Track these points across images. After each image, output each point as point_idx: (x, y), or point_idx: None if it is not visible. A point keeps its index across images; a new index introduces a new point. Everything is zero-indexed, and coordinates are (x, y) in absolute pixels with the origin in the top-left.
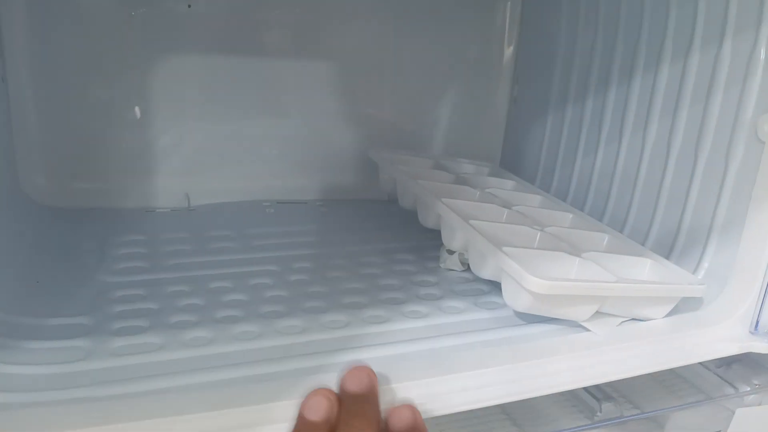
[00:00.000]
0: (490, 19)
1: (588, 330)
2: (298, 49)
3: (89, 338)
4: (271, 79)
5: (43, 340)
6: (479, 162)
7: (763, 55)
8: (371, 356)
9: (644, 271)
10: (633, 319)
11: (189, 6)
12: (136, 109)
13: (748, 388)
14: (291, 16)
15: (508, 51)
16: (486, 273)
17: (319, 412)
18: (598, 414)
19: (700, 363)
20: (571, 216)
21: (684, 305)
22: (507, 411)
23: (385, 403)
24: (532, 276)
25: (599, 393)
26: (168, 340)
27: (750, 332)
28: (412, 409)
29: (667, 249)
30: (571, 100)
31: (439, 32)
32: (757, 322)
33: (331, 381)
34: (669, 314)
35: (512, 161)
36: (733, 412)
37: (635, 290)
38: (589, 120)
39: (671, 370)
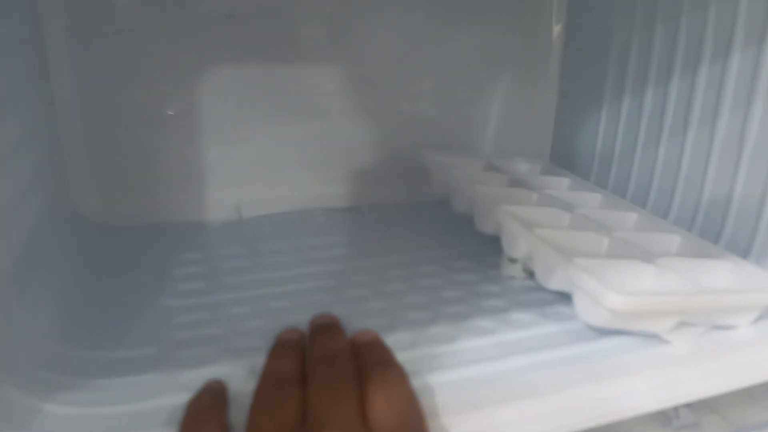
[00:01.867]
0: (535, 10)
1: (668, 342)
2: (338, 52)
3: (157, 371)
4: (312, 83)
5: (107, 377)
6: (531, 159)
7: None
8: (439, 380)
9: (723, 275)
10: (715, 327)
11: (229, 16)
12: (184, 122)
13: None
14: (326, 18)
15: (556, 43)
16: (554, 285)
17: (293, 334)
18: (675, 420)
19: None
20: (636, 216)
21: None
22: None
23: None
24: (610, 292)
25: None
26: (235, 369)
27: None
28: (373, 332)
29: (742, 249)
30: (628, 92)
31: (481, 26)
32: None
33: None
34: (755, 321)
35: (563, 157)
36: None
37: (722, 301)
38: (648, 113)
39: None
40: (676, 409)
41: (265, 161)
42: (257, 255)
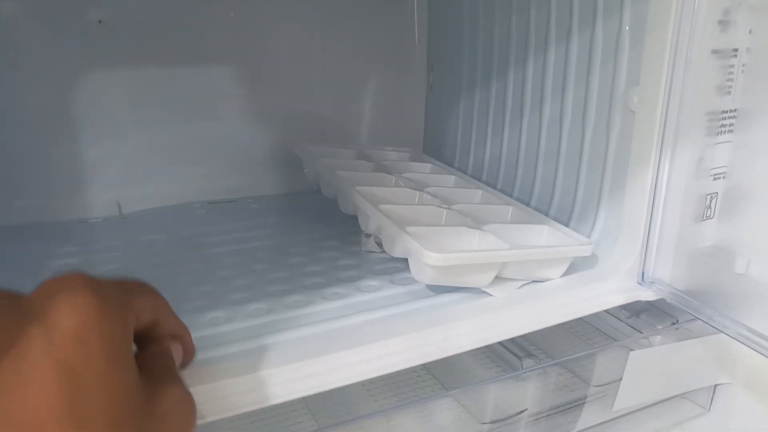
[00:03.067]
0: (401, 10)
1: (490, 295)
2: (220, 52)
3: None
4: (195, 82)
5: None
6: (402, 149)
7: (627, 36)
8: (288, 338)
9: (542, 237)
10: (533, 281)
11: (100, 21)
12: (63, 123)
13: (654, 333)
14: (210, 19)
15: (421, 40)
16: (396, 252)
17: None
18: (521, 369)
19: (613, 316)
20: (480, 193)
21: (584, 265)
22: (434, 374)
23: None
24: (428, 251)
25: (520, 351)
26: None
27: (638, 283)
28: None
29: (567, 215)
30: (479, 84)
31: (356, 25)
32: (643, 274)
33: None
34: (566, 274)
35: (433, 146)
36: None
37: (524, 255)
38: (494, 102)
39: (588, 325)
40: (520, 359)
41: (146, 158)
42: (133, 246)
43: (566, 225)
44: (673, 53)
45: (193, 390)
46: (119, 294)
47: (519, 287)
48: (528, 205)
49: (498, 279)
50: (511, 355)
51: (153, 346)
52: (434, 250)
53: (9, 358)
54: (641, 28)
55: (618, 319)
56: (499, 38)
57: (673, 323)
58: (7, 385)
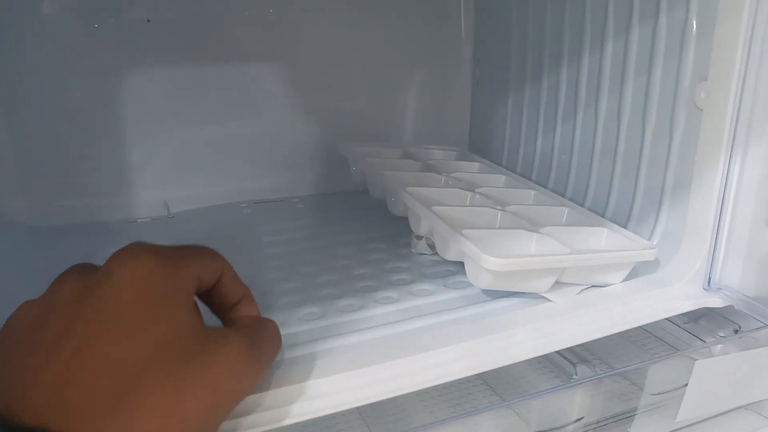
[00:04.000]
0: (447, 3)
1: (549, 300)
2: (261, 49)
3: None
4: (237, 80)
5: None
6: (448, 147)
7: (694, 27)
8: (343, 344)
9: (601, 240)
10: (593, 286)
11: (148, 21)
12: (109, 123)
13: (715, 340)
14: (248, 16)
15: (467, 34)
16: (450, 255)
17: None
18: (574, 377)
19: (670, 321)
20: (533, 193)
21: (644, 269)
22: (487, 382)
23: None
24: (487, 255)
25: (574, 357)
26: None
27: (704, 289)
28: None
29: (624, 217)
30: (529, 79)
31: (398, 20)
32: (710, 279)
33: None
34: (627, 278)
35: (480, 144)
36: None
37: (586, 260)
38: (546, 98)
39: (645, 331)
40: (574, 365)
41: (192, 158)
42: None
43: (624, 227)
44: (747, 46)
45: (244, 401)
46: (177, 255)
47: (579, 293)
48: (582, 205)
49: (557, 284)
50: (565, 360)
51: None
52: (493, 254)
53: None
54: (710, 19)
55: (675, 324)
56: (551, 31)
57: (736, 330)
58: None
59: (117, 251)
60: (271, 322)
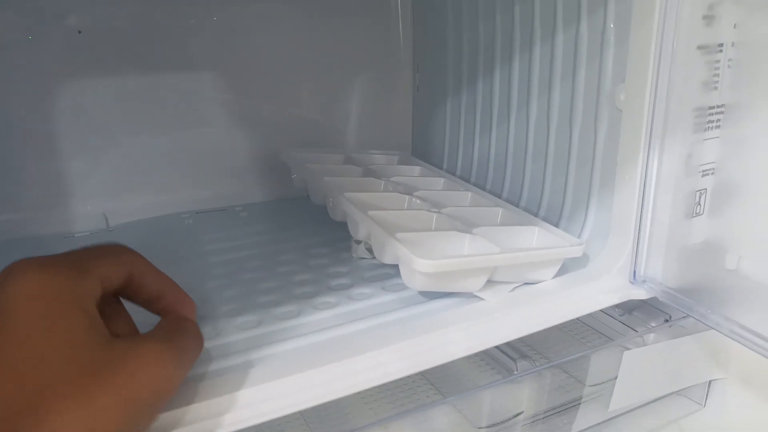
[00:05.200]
0: (385, 10)
1: (483, 299)
2: (203, 57)
3: None
4: (179, 89)
5: None
6: (390, 152)
7: (612, 32)
8: (280, 350)
9: (532, 238)
10: (525, 283)
11: (79, 32)
12: (46, 133)
13: (647, 330)
14: (192, 24)
15: (406, 40)
16: (387, 259)
17: None
18: (515, 372)
19: (606, 314)
20: (470, 195)
21: (574, 264)
22: (429, 379)
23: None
24: (418, 258)
25: (515, 353)
26: None
27: (630, 282)
28: None
29: (557, 215)
30: (465, 84)
31: (341, 28)
32: (635, 273)
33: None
34: (558, 274)
35: (422, 148)
36: None
37: (515, 258)
38: (481, 102)
39: (583, 324)
40: (514, 360)
41: (132, 169)
42: None
43: (556, 225)
44: (659, 49)
45: (184, 408)
46: (75, 261)
47: (511, 290)
48: (517, 205)
49: (490, 282)
50: (506, 357)
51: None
52: (424, 256)
53: None
54: (626, 24)
55: (611, 316)
56: (484, 36)
57: (666, 320)
58: None
59: (3, 269)
60: (190, 321)
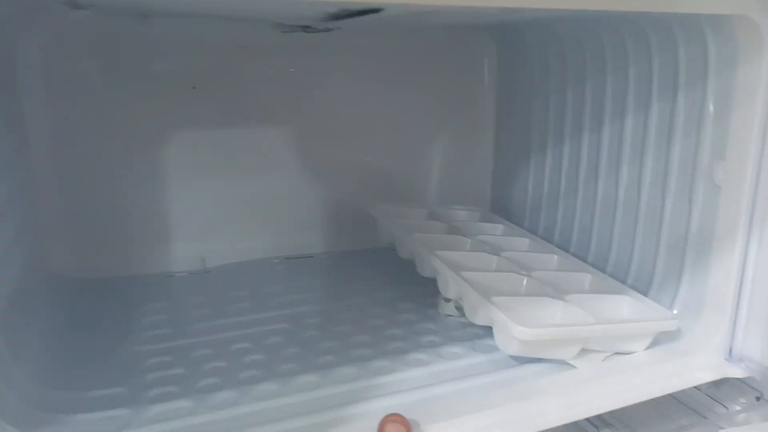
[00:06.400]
0: (471, 71)
1: (575, 367)
2: (293, 109)
3: (127, 407)
4: (270, 140)
5: (84, 413)
6: (471, 208)
7: (711, 107)
8: (375, 407)
9: (623, 308)
10: (616, 353)
11: (194, 87)
12: (150, 181)
13: (738, 407)
14: (282, 82)
15: (489, 98)
16: (479, 320)
17: None
18: None
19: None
20: (556, 258)
21: (665, 336)
22: None
23: None
24: (517, 325)
25: (598, 422)
26: (198, 404)
27: (725, 359)
28: None
29: (646, 284)
30: (549, 145)
31: (425, 84)
32: (731, 350)
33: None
34: (650, 346)
35: (501, 205)
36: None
37: (612, 330)
38: (567, 164)
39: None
40: (597, 428)
41: (228, 214)
42: (219, 302)
43: (645, 294)
44: (762, 130)
45: None
46: None
47: (603, 359)
48: (604, 271)
49: (582, 350)
50: (590, 425)
51: None
52: (522, 322)
53: None
54: (727, 101)
55: (697, 388)
56: (573, 102)
57: (758, 398)
58: None
59: None
60: None
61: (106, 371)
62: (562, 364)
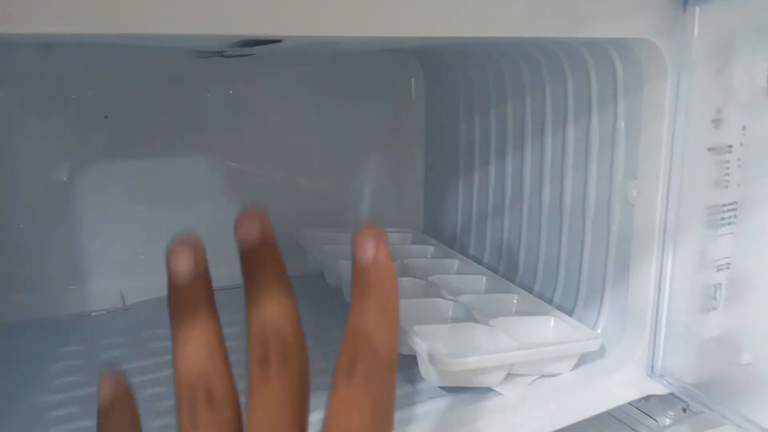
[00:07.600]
0: (399, 92)
1: (501, 394)
2: (217, 137)
3: None
4: (192, 169)
5: None
6: (403, 230)
7: (623, 128)
8: None
9: (549, 330)
10: (543, 375)
11: (105, 117)
12: (64, 215)
13: (668, 420)
14: (207, 101)
15: (418, 119)
16: (403, 350)
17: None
18: None
19: None
20: (484, 279)
21: (592, 354)
22: None
23: None
24: (438, 356)
25: None
26: None
27: (648, 375)
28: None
29: (572, 301)
30: (477, 166)
31: (354, 107)
32: (652, 366)
33: None
34: (577, 365)
35: (434, 226)
36: None
37: (536, 354)
38: (493, 185)
39: None
40: None
41: (147, 248)
42: (138, 343)
43: (572, 311)
44: (669, 150)
45: None
46: None
47: (530, 383)
48: (532, 289)
49: (508, 376)
50: None
51: None
52: (444, 353)
53: None
54: (636, 121)
55: (629, 403)
56: (496, 123)
57: (684, 409)
58: None
59: None
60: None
61: (4, 427)
62: (489, 391)
